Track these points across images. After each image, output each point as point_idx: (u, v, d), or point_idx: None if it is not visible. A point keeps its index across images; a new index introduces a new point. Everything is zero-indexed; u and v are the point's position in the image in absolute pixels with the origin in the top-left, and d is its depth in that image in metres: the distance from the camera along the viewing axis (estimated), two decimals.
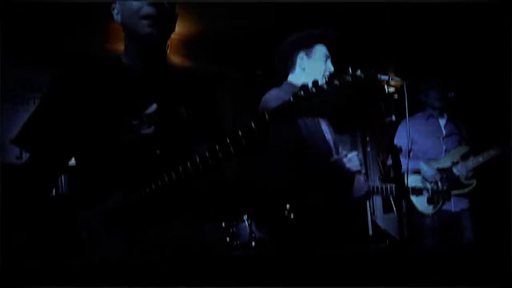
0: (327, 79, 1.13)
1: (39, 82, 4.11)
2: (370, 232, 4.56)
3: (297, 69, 2.31)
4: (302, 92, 1.14)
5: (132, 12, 1.35)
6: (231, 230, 3.44)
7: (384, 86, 2.19)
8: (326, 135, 2.28)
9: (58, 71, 1.54)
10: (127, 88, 1.42)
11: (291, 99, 1.16)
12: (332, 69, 2.26)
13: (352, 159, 2.15)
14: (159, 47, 1.45)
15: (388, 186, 2.38)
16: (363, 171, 2.15)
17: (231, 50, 4.47)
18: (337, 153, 2.29)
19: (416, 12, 3.76)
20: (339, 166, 2.14)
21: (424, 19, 3.90)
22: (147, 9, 1.33)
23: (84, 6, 3.36)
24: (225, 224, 3.45)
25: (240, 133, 1.18)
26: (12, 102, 3.97)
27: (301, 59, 2.29)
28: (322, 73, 2.24)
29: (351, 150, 2.35)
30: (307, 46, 2.29)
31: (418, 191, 2.82)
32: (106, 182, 1.35)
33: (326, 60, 2.27)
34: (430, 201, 3.02)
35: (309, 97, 1.13)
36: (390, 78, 2.12)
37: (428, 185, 3.15)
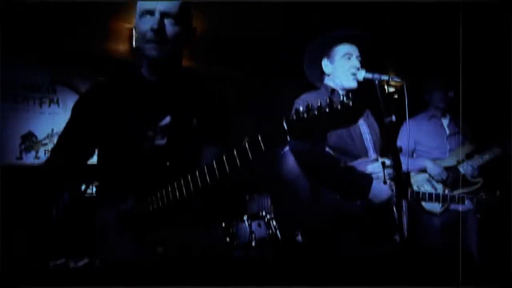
0: (319, 105, 1.15)
1: (39, 82, 4.11)
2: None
3: (325, 75, 2.36)
4: (294, 117, 1.17)
5: (141, 35, 1.44)
6: (231, 230, 3.43)
7: (384, 86, 2.19)
8: (364, 135, 2.28)
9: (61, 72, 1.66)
10: (146, 100, 1.49)
11: (283, 122, 1.18)
12: (357, 65, 2.25)
13: (374, 169, 2.15)
14: (169, 65, 1.50)
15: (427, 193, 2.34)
16: (385, 179, 2.13)
17: (232, 50, 4.47)
18: (377, 153, 2.29)
19: (416, 12, 3.76)
20: (357, 169, 2.16)
21: (424, 19, 3.90)
22: (150, 35, 1.41)
23: (83, 6, 3.35)
24: (225, 224, 3.44)
25: (235, 151, 1.22)
26: (12, 102, 3.97)
27: (326, 66, 2.33)
28: (347, 72, 2.24)
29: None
30: (328, 49, 2.32)
31: (429, 197, 2.81)
32: (121, 188, 1.42)
33: (349, 58, 2.27)
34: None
35: (299, 122, 1.16)
36: (390, 78, 2.12)
37: (425, 184, 3.17)
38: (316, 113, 1.15)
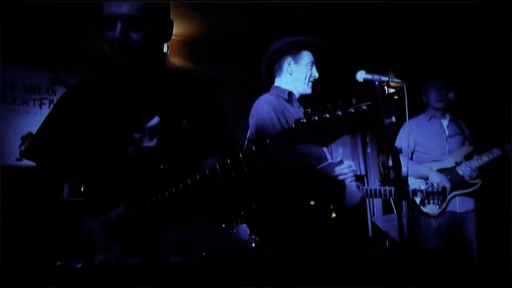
0: (330, 109, 1.13)
1: (39, 83, 4.11)
2: (370, 233, 4.55)
3: (284, 73, 2.35)
4: (304, 120, 1.14)
5: (109, 42, 1.35)
6: (231, 232, 3.43)
7: (384, 87, 2.19)
8: None
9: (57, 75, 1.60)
10: (129, 102, 1.43)
11: (293, 126, 1.15)
12: (317, 75, 2.32)
13: (342, 171, 2.17)
14: (144, 67, 1.41)
15: (387, 189, 2.37)
16: (354, 181, 2.17)
17: (231, 51, 4.47)
18: (331, 156, 2.30)
19: (416, 12, 3.76)
20: (327, 172, 2.16)
21: (424, 19, 3.90)
22: (114, 46, 1.31)
23: (83, 6, 3.35)
24: (225, 225, 3.44)
25: (240, 155, 1.19)
26: (12, 103, 3.97)
27: (288, 64, 2.34)
28: (307, 79, 2.30)
29: (352, 154, 2.34)
30: (295, 51, 2.33)
31: (412, 193, 2.82)
32: (110, 192, 1.37)
33: (312, 67, 2.32)
34: (423, 202, 3.02)
35: (310, 125, 1.13)
36: (390, 79, 2.12)
37: (422, 186, 3.15)
38: (328, 116, 1.12)
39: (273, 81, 2.40)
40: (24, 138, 3.95)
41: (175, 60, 4.40)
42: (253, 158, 1.18)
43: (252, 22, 3.90)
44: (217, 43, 4.31)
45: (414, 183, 3.20)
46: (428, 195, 2.74)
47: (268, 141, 1.16)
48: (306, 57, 2.33)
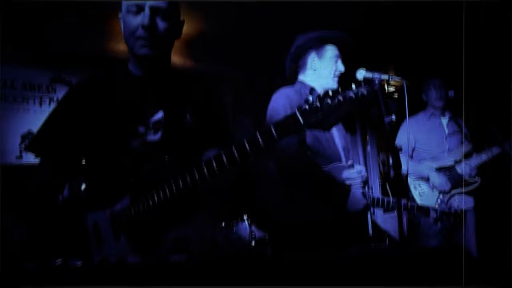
0: (330, 94, 1.17)
1: (39, 81, 4.12)
2: (370, 232, 4.56)
3: (308, 69, 2.31)
4: (306, 106, 1.17)
5: (129, 32, 1.40)
6: (231, 230, 3.43)
7: (384, 85, 2.19)
8: (335, 139, 2.27)
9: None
10: (134, 97, 1.46)
11: (296, 112, 1.18)
12: (342, 69, 2.27)
13: (351, 175, 2.13)
14: (158, 61, 1.47)
15: (391, 200, 2.31)
16: (361, 187, 2.13)
17: (232, 50, 4.47)
18: (347, 158, 2.27)
19: (416, 12, 3.76)
20: (333, 173, 2.13)
21: (424, 19, 3.91)
22: (140, 32, 1.38)
23: (83, 6, 3.35)
24: (225, 224, 3.45)
25: (246, 143, 1.21)
26: (12, 102, 3.97)
27: (312, 60, 2.30)
28: (332, 73, 2.25)
29: (352, 152, 2.30)
30: (318, 46, 2.29)
31: (425, 211, 2.73)
32: (115, 186, 1.39)
33: (336, 61, 2.27)
34: (436, 221, 2.95)
35: (312, 111, 1.17)
36: (390, 78, 2.12)
37: (423, 186, 3.14)
38: (329, 101, 1.16)
39: (296, 76, 2.37)
40: (24, 136, 3.95)
41: (176, 59, 4.40)
42: (258, 144, 1.20)
43: (253, 21, 3.90)
44: (218, 42, 4.31)
45: (414, 183, 3.20)
46: (442, 215, 2.64)
47: (271, 127, 1.19)
48: (330, 51, 2.28)
